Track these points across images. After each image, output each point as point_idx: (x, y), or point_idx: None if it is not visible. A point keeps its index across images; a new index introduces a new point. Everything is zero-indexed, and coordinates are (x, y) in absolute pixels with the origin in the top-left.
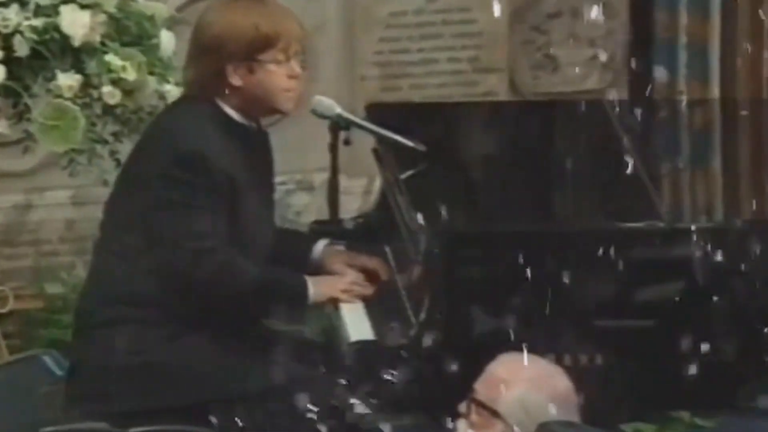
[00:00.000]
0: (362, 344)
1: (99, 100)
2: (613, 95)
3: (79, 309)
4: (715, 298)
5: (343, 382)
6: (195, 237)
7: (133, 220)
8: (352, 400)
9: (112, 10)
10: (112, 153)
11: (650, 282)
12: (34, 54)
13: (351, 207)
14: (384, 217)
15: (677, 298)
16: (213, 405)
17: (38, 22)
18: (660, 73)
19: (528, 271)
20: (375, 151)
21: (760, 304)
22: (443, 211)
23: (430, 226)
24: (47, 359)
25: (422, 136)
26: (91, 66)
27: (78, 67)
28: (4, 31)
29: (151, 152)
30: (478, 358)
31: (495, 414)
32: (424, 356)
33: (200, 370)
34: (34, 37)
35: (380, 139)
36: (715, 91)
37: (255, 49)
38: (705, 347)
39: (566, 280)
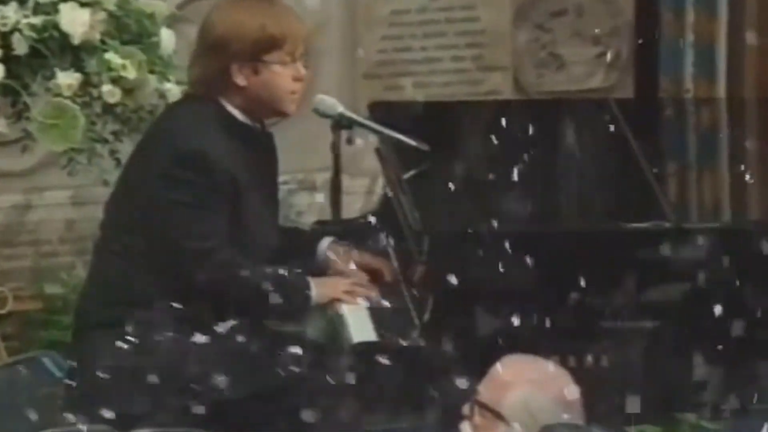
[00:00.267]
0: (365, 345)
1: (99, 99)
2: (618, 94)
3: (79, 310)
4: (721, 299)
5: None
6: (196, 237)
7: (134, 219)
8: None
9: (111, 7)
10: (112, 152)
11: (656, 283)
12: (33, 52)
13: (354, 207)
14: (387, 217)
15: (683, 299)
16: (214, 407)
17: (37, 20)
18: (666, 71)
19: (532, 271)
20: (378, 150)
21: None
22: (446, 211)
23: (433, 226)
24: (47, 361)
25: (425, 135)
26: (91, 64)
27: (77, 66)
28: (3, 29)
29: (153, 151)
30: (481, 359)
31: (498, 416)
32: (427, 357)
33: (201, 371)
34: (33, 35)
35: (383, 138)
36: (722, 90)
37: (261, 50)
38: (711, 348)
39: (571, 280)
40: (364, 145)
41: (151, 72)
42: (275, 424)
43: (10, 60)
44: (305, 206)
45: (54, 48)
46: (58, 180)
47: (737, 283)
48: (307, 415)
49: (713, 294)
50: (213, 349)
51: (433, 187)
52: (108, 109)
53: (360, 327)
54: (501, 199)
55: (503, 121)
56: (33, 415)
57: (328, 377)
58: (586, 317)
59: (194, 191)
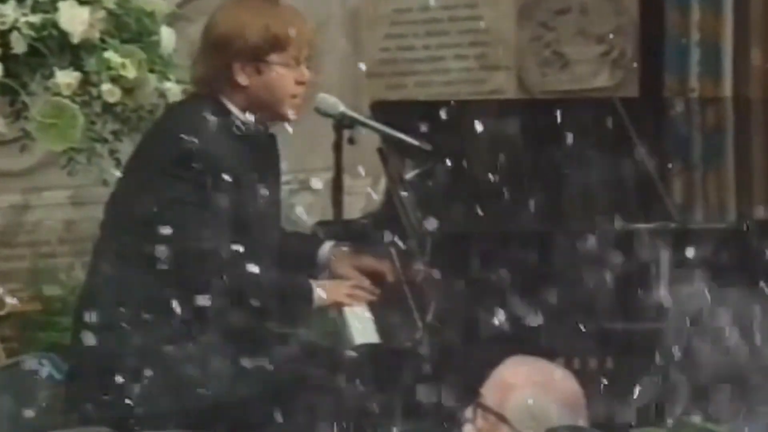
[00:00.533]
0: (367, 347)
1: (98, 98)
2: (623, 93)
3: (78, 311)
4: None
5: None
6: (197, 238)
7: (134, 219)
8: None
9: (111, 6)
10: (112, 152)
11: (661, 284)
12: (32, 51)
13: (356, 207)
14: (389, 218)
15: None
16: (215, 409)
17: (36, 19)
18: (671, 70)
19: (537, 272)
20: (380, 150)
21: None
22: (449, 211)
23: (436, 227)
24: (46, 363)
25: (428, 134)
26: (90, 63)
27: (77, 65)
28: (1, 27)
29: (155, 150)
30: (484, 361)
31: (502, 419)
32: (429, 359)
33: (201, 373)
34: (32, 33)
35: (385, 137)
36: (728, 90)
37: (264, 50)
38: (717, 350)
39: (575, 281)
40: (365, 144)
41: (151, 71)
42: (276, 426)
43: (8, 59)
44: (307, 206)
45: (53, 47)
46: (57, 180)
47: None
48: (308, 418)
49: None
50: (213, 351)
51: (436, 187)
52: (107, 108)
53: (362, 329)
54: (504, 200)
55: (506, 121)
56: (32, 417)
57: (329, 379)
58: (591, 319)
59: (195, 191)
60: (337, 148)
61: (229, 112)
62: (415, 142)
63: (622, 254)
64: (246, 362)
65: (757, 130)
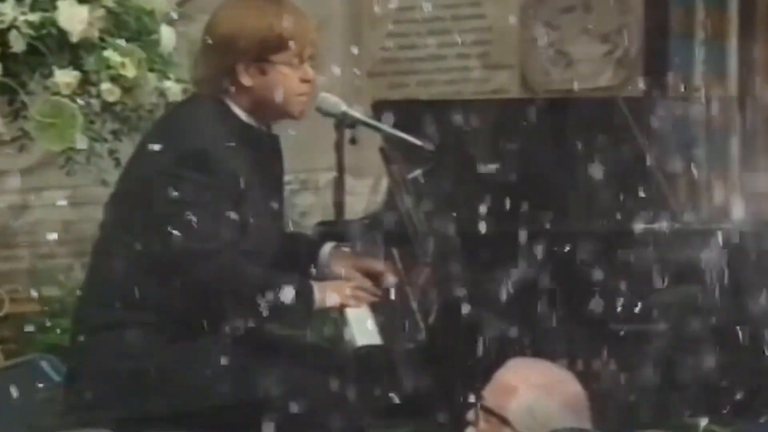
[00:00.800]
0: (369, 349)
1: (97, 98)
2: (627, 92)
3: (78, 312)
4: (732, 301)
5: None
6: (198, 239)
7: (135, 220)
8: None
9: (110, 4)
10: (111, 152)
11: (665, 285)
12: (31, 50)
13: (357, 208)
14: (391, 218)
15: (694, 301)
16: (215, 411)
17: (35, 17)
18: (676, 69)
19: (539, 273)
20: (382, 150)
21: None
22: (452, 212)
23: (439, 227)
24: (44, 364)
25: (430, 134)
26: (90, 62)
27: (76, 64)
28: (0, 26)
29: (156, 150)
30: (487, 363)
31: (504, 421)
32: (432, 361)
33: (202, 375)
34: (31, 32)
35: (387, 137)
36: (733, 89)
37: (268, 49)
38: (722, 352)
39: (579, 282)
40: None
41: (151, 70)
42: (277, 428)
43: (7, 58)
44: (308, 206)
45: (52, 45)
46: (56, 180)
47: (748, 285)
48: (309, 419)
49: (724, 296)
50: (213, 353)
51: (438, 187)
52: (107, 107)
53: (364, 330)
54: (507, 200)
55: (510, 120)
56: (30, 420)
57: (331, 381)
58: (594, 320)
59: (197, 192)
60: (339, 148)
61: (231, 113)
62: (418, 142)
63: (626, 255)
64: (246, 364)
65: (763, 129)
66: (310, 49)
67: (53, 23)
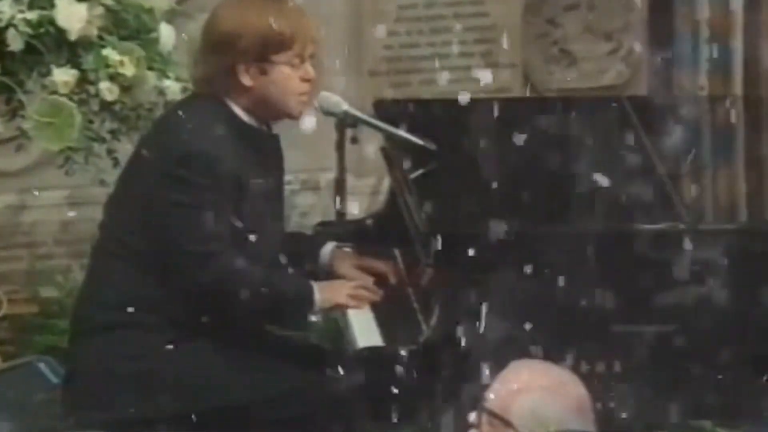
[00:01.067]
0: (370, 350)
1: (96, 97)
2: (631, 91)
3: (76, 314)
4: (737, 303)
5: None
6: (199, 240)
7: (135, 221)
8: None
9: (109, 2)
10: (110, 152)
11: (670, 286)
12: (29, 48)
13: (358, 208)
14: (393, 219)
15: (699, 303)
16: (215, 413)
17: (33, 15)
18: (680, 68)
19: (542, 274)
20: (383, 149)
21: None
22: (454, 212)
23: (441, 228)
24: (42, 366)
25: (432, 133)
26: (88, 61)
27: (74, 62)
28: None
29: (155, 151)
30: (489, 365)
31: (507, 424)
32: (434, 363)
33: (202, 377)
34: (29, 30)
35: (389, 136)
36: (738, 87)
37: (269, 49)
38: (727, 353)
39: (582, 283)
40: (369, 143)
41: (150, 69)
42: (278, 430)
43: (4, 56)
44: (309, 207)
45: (50, 44)
46: (54, 180)
47: (754, 286)
48: (310, 421)
49: (729, 297)
50: (213, 354)
51: (440, 187)
52: (106, 106)
53: (365, 331)
54: (510, 200)
55: (512, 119)
56: (28, 422)
57: (332, 382)
58: (598, 321)
59: (197, 193)
60: (340, 147)
61: (232, 113)
62: (420, 142)
63: (630, 256)
64: (246, 365)
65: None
66: (311, 47)
67: (51, 21)
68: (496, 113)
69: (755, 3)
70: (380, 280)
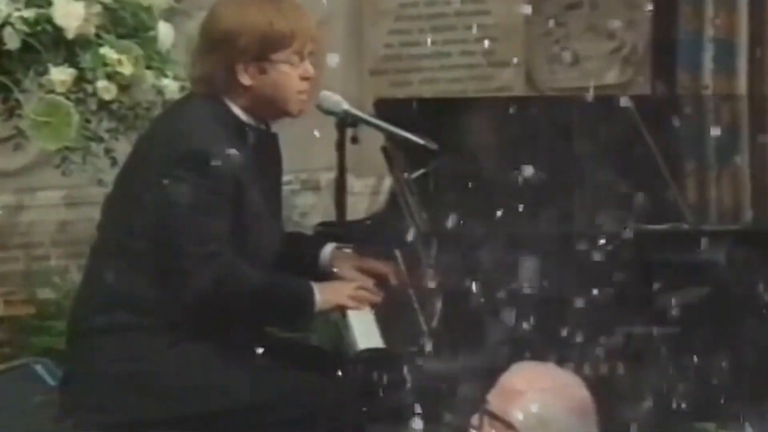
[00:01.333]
0: (371, 352)
1: (94, 96)
2: (634, 90)
3: (73, 315)
4: (742, 304)
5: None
6: (198, 241)
7: (133, 221)
8: None
9: (107, 0)
10: (108, 151)
11: (674, 287)
12: (26, 47)
13: (359, 208)
14: (393, 219)
15: (703, 304)
16: (213, 416)
17: (30, 14)
18: (684, 67)
19: (545, 275)
20: (384, 149)
21: None
22: (455, 212)
23: (442, 228)
24: (39, 368)
25: (434, 133)
26: (86, 59)
27: (71, 61)
28: None
29: (154, 151)
30: (491, 367)
31: (509, 427)
32: (435, 365)
33: (200, 379)
34: (26, 29)
35: (389, 136)
36: (742, 87)
37: (268, 48)
38: (731, 355)
39: (585, 284)
40: (369, 143)
41: (149, 67)
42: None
43: (1, 55)
44: (309, 207)
45: (47, 42)
46: (52, 180)
47: (758, 286)
48: (310, 423)
49: (734, 298)
50: (212, 356)
51: (442, 187)
52: (103, 106)
53: (366, 333)
54: (512, 200)
55: (515, 119)
56: (25, 425)
57: (332, 384)
58: (601, 323)
59: (196, 193)
60: (340, 147)
61: (230, 113)
62: (421, 141)
63: (633, 256)
64: (246, 367)
65: None
66: (311, 45)
67: (48, 20)
68: (498, 112)
69: (759, 1)
70: (381, 281)
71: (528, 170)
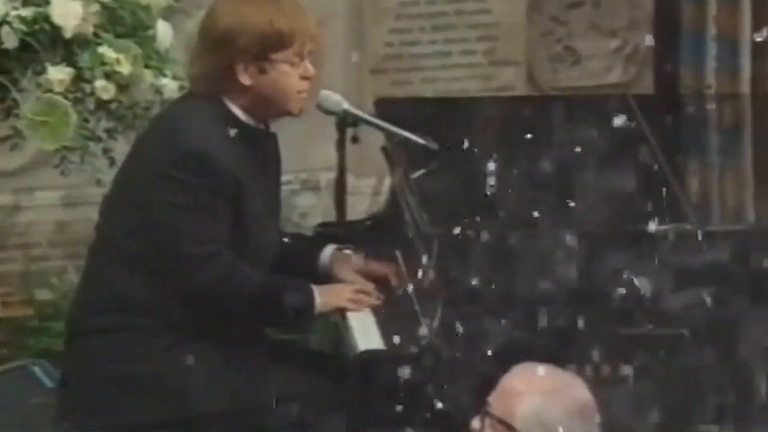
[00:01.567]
0: (371, 354)
1: (92, 95)
2: (637, 89)
3: (72, 316)
4: (745, 305)
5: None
6: (196, 241)
7: (131, 222)
8: None
9: None
10: (106, 151)
11: (677, 288)
12: (23, 46)
13: (359, 208)
14: (394, 219)
15: (706, 305)
16: (212, 418)
17: (27, 13)
18: (687, 66)
19: (546, 275)
20: (384, 149)
21: None
22: (456, 212)
23: (443, 229)
24: (37, 370)
25: (434, 133)
26: (84, 59)
27: (69, 60)
28: None
29: (152, 151)
30: (492, 369)
31: (510, 429)
32: (436, 367)
33: (199, 380)
34: (23, 28)
35: (390, 136)
36: (746, 86)
37: (268, 47)
38: (734, 356)
39: (588, 285)
40: (370, 143)
41: (147, 67)
42: None
43: None
44: (309, 207)
45: (45, 41)
46: (49, 180)
47: (762, 287)
48: (310, 426)
49: (737, 299)
50: (211, 358)
51: (442, 187)
52: (101, 105)
53: (366, 335)
54: (513, 200)
55: (516, 118)
56: (23, 426)
57: (332, 387)
58: (604, 324)
59: (195, 194)
60: (341, 146)
61: (229, 113)
62: (421, 141)
63: (635, 257)
64: (245, 369)
65: None
66: (311, 44)
67: (46, 19)
68: (499, 112)
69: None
70: (381, 282)
71: (528, 170)
